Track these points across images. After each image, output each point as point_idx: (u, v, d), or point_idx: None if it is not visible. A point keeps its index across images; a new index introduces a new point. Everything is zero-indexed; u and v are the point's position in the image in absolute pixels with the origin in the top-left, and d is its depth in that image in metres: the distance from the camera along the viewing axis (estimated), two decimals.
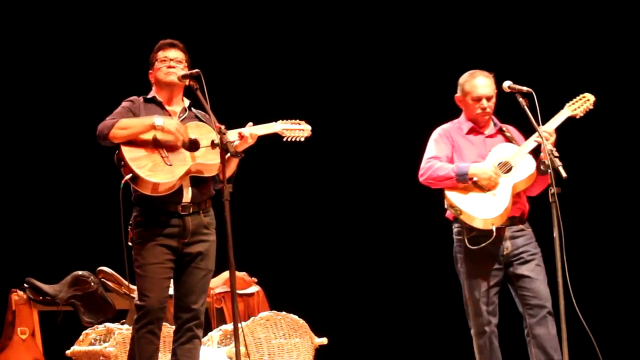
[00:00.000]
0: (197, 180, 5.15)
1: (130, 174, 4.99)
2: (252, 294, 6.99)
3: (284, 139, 5.42)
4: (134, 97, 5.28)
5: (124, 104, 5.24)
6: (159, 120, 5.06)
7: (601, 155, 8.20)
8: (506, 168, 5.57)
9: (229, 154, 5.00)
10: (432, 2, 8.49)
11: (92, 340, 6.16)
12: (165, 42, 5.30)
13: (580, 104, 5.72)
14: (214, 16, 8.37)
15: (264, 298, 7.03)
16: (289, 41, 8.48)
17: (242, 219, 5.66)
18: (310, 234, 8.45)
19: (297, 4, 8.46)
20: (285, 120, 5.42)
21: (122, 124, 5.06)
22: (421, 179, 5.65)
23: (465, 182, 5.54)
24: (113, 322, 6.37)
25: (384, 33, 8.58)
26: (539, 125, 5.46)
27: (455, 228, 5.65)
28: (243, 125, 5.24)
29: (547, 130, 5.54)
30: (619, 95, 8.06)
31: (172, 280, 5.21)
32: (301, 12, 8.48)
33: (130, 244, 5.14)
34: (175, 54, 5.26)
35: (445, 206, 5.66)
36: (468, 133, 5.74)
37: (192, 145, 5.12)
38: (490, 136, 5.75)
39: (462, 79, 5.75)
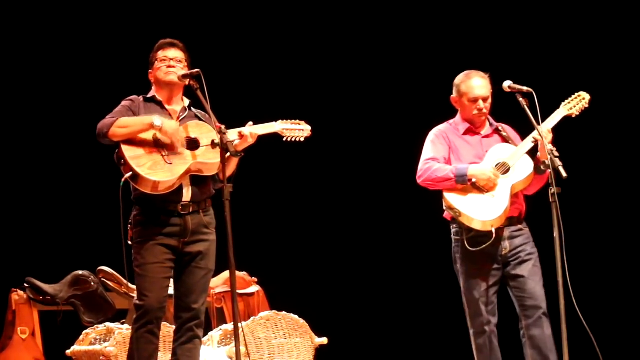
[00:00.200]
0: (197, 180, 5.15)
1: (131, 173, 4.99)
2: (252, 294, 6.98)
3: (284, 139, 5.42)
4: (133, 97, 5.28)
5: (123, 103, 5.24)
6: (157, 120, 5.06)
7: (601, 154, 8.19)
8: (504, 169, 5.57)
9: (229, 154, 5.00)
10: (429, 3, 8.49)
11: (93, 340, 6.16)
12: (165, 41, 5.30)
13: (576, 103, 5.72)
14: (214, 16, 8.37)
15: (264, 298, 7.03)
16: (289, 41, 8.48)
17: (242, 219, 5.66)
18: (310, 234, 8.44)
19: (297, 4, 8.46)
20: (285, 120, 5.42)
21: (121, 123, 5.06)
22: (419, 181, 5.64)
23: (464, 183, 5.53)
24: (113, 321, 6.37)
25: (382, 33, 8.58)
26: (539, 124, 5.46)
27: (454, 228, 5.64)
28: (243, 124, 5.24)
29: (544, 130, 5.53)
30: (618, 94, 8.06)
31: (172, 280, 5.21)
32: (301, 12, 8.48)
33: (129, 243, 5.14)
34: (175, 53, 5.26)
35: (444, 207, 5.66)
36: (465, 134, 5.73)
37: (192, 144, 5.12)
38: (487, 136, 5.75)
39: (458, 79, 5.74)
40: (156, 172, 5.01)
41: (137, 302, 5.10)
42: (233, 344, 5.44)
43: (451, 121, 5.80)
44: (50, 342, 6.75)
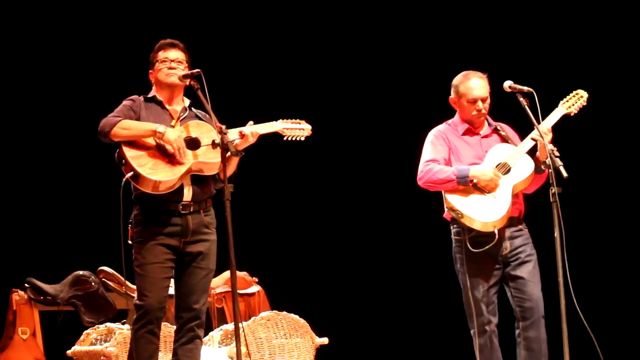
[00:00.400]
0: (197, 179, 5.15)
1: (132, 172, 5.00)
2: (253, 294, 6.98)
3: (285, 138, 5.42)
4: (134, 96, 5.27)
5: (125, 102, 5.23)
6: (161, 128, 5.06)
7: (601, 154, 8.19)
8: (505, 169, 5.57)
9: (229, 153, 4.99)
10: (429, 3, 8.48)
11: (93, 340, 6.16)
12: (165, 42, 5.30)
13: (574, 101, 5.72)
14: (214, 15, 8.37)
15: (265, 298, 7.03)
16: (289, 41, 8.48)
17: (243, 219, 5.66)
18: (311, 234, 8.44)
19: (297, 4, 8.45)
20: (285, 120, 5.42)
21: (124, 125, 5.06)
22: (420, 182, 5.63)
23: (466, 184, 5.52)
24: (114, 321, 6.37)
25: (382, 33, 8.58)
26: (540, 124, 5.46)
27: (454, 228, 5.64)
28: (244, 124, 5.24)
29: (544, 129, 5.53)
30: (618, 93, 8.06)
31: (172, 280, 5.21)
32: (301, 12, 8.48)
33: (130, 242, 5.14)
34: (176, 54, 5.26)
35: (445, 208, 5.65)
36: (464, 134, 5.73)
37: (193, 144, 5.12)
38: (486, 136, 5.74)
39: (456, 80, 5.72)
40: (157, 171, 5.01)
41: (138, 302, 5.10)
42: (234, 344, 5.43)
43: (450, 121, 5.79)
44: (51, 342, 6.75)
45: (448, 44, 8.33)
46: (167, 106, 5.26)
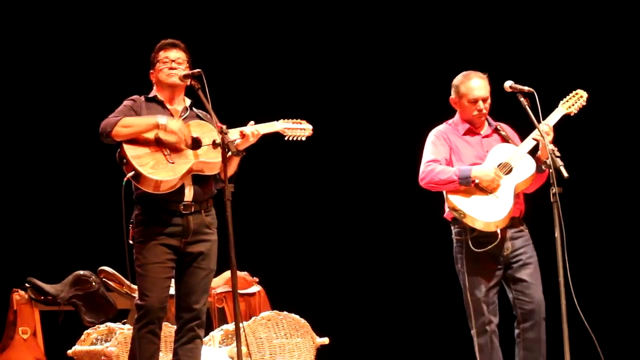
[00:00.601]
0: (198, 179, 5.14)
1: (133, 172, 4.99)
2: (253, 294, 6.99)
3: (285, 138, 5.42)
4: (135, 96, 5.27)
5: (126, 102, 5.23)
6: (162, 119, 5.06)
7: (602, 154, 8.19)
8: (506, 169, 5.57)
9: (230, 153, 4.99)
10: (429, 3, 8.48)
11: (94, 340, 6.16)
12: (166, 42, 5.30)
13: (574, 101, 5.73)
14: (215, 15, 8.37)
15: (265, 298, 7.03)
16: (290, 41, 8.48)
17: (244, 219, 5.66)
18: (312, 234, 8.44)
19: (298, 4, 8.45)
20: (286, 119, 5.42)
21: (125, 122, 5.06)
22: (422, 183, 5.63)
23: (468, 185, 5.52)
24: (114, 321, 6.37)
25: (383, 33, 8.58)
26: (540, 124, 5.46)
27: (455, 229, 5.64)
28: (244, 124, 5.24)
29: (545, 128, 5.53)
30: (618, 93, 8.06)
31: (173, 280, 5.21)
32: (302, 12, 8.48)
33: (131, 242, 5.14)
34: (177, 54, 5.26)
35: (446, 208, 5.65)
36: (465, 134, 5.73)
37: (194, 143, 5.12)
38: (487, 136, 5.74)
39: (457, 80, 5.72)
40: (158, 171, 5.01)
41: (139, 302, 5.10)
42: (234, 344, 5.43)
43: (450, 121, 5.79)
44: (52, 342, 6.75)
45: (448, 44, 8.33)
46: (168, 106, 5.26)
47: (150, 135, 5.07)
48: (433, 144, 5.68)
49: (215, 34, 8.28)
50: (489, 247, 5.46)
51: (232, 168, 5.14)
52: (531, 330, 5.55)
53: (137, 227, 5.13)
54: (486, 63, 5.85)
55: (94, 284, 6.74)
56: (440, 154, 5.63)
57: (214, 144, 5.05)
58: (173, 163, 5.05)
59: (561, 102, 5.72)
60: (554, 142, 5.53)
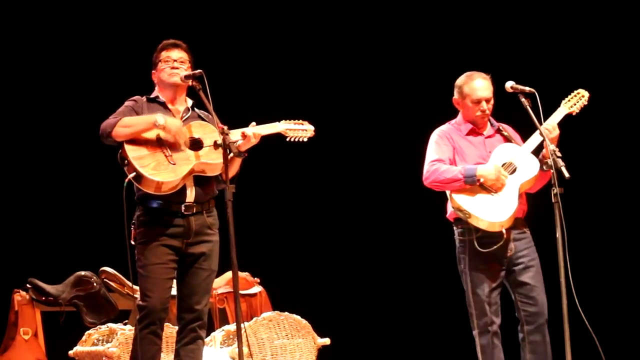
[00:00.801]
0: (200, 180, 5.14)
1: (134, 173, 4.99)
2: (254, 295, 6.99)
3: (287, 139, 5.41)
4: (137, 97, 5.27)
5: (127, 103, 5.23)
6: (161, 118, 5.06)
7: (603, 154, 8.20)
8: (511, 169, 5.57)
9: (231, 154, 5.00)
10: (431, 4, 8.49)
11: (95, 341, 6.16)
12: (168, 42, 5.30)
13: (576, 101, 5.74)
14: (217, 16, 8.37)
15: (267, 298, 7.04)
16: (292, 41, 8.48)
17: (245, 220, 5.66)
18: (313, 235, 8.45)
19: (300, 4, 8.46)
20: (288, 120, 5.42)
21: (124, 122, 5.06)
22: (426, 182, 5.62)
23: (473, 184, 5.52)
24: (116, 322, 6.37)
25: (384, 34, 8.59)
26: (541, 124, 5.46)
27: (458, 229, 5.64)
28: (246, 125, 5.24)
29: (549, 126, 5.54)
30: (619, 94, 8.06)
31: (175, 281, 5.21)
32: (303, 13, 8.48)
33: (133, 243, 5.14)
34: (179, 54, 5.26)
35: (450, 208, 5.65)
36: (468, 134, 5.73)
37: (196, 144, 5.12)
38: (490, 137, 5.75)
39: (460, 81, 5.73)
40: (160, 172, 5.01)
41: (140, 302, 5.10)
42: (235, 345, 5.43)
43: (453, 122, 5.79)
44: (53, 343, 6.75)
45: (450, 45, 8.33)
46: (169, 106, 5.26)
47: (152, 135, 5.07)
48: (437, 144, 5.68)
49: (217, 34, 8.29)
50: (495, 247, 5.47)
51: (234, 169, 5.15)
52: (536, 333, 5.56)
53: (138, 228, 5.13)
54: (488, 64, 5.85)
55: (95, 284, 6.75)
56: (444, 153, 5.63)
57: (216, 145, 5.05)
58: (174, 164, 5.05)
59: (563, 101, 5.72)
60: (560, 139, 5.54)
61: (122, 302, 6.81)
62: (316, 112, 5.91)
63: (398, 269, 8.52)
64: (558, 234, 5.19)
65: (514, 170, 5.57)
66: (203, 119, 5.27)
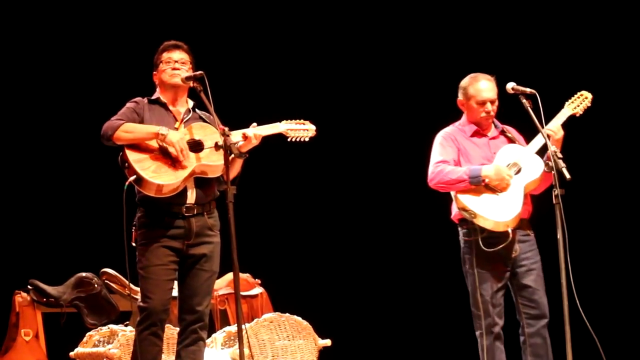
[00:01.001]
0: (201, 182, 5.14)
1: (135, 176, 4.99)
2: (255, 296, 6.99)
3: (288, 139, 5.41)
4: (138, 98, 5.27)
5: (128, 104, 5.23)
6: (164, 130, 5.05)
7: (604, 156, 8.19)
8: (515, 169, 5.58)
9: (232, 155, 5.00)
10: (434, 5, 8.49)
11: (96, 342, 6.16)
12: (169, 43, 5.30)
13: (579, 102, 5.74)
14: (218, 17, 8.37)
15: (268, 299, 7.03)
16: (293, 42, 8.48)
17: (246, 221, 5.66)
18: (314, 236, 8.44)
19: (301, 5, 8.46)
20: (289, 121, 5.41)
21: (127, 128, 5.06)
22: (431, 184, 5.63)
23: (478, 184, 5.52)
24: (116, 323, 6.37)
25: (387, 35, 8.59)
26: (542, 125, 5.46)
27: (463, 229, 5.64)
28: (247, 125, 5.23)
29: (554, 128, 5.55)
30: (621, 95, 8.06)
31: (176, 282, 5.21)
32: (305, 13, 8.48)
33: (133, 244, 5.14)
34: (180, 55, 5.26)
35: (453, 209, 5.66)
36: (472, 136, 5.74)
37: (196, 146, 5.12)
38: (494, 138, 5.76)
39: (465, 82, 5.74)
40: (160, 175, 5.01)
41: (141, 304, 5.09)
42: (237, 346, 5.44)
43: (457, 123, 5.80)
44: (54, 344, 6.76)
45: (454, 46, 8.33)
46: (170, 108, 5.26)
47: (153, 142, 5.07)
48: (441, 145, 5.69)
49: (217, 35, 8.29)
50: (501, 246, 5.47)
51: (235, 170, 5.15)
52: (537, 336, 5.57)
53: (139, 229, 5.13)
54: (491, 66, 5.86)
55: (96, 286, 6.75)
56: (448, 155, 5.64)
57: (217, 147, 5.04)
58: (174, 167, 5.04)
59: (567, 103, 5.73)
60: (564, 140, 5.56)
61: (123, 303, 6.81)
62: (317, 112, 5.90)
63: (399, 270, 8.52)
64: (559, 235, 5.19)
65: (519, 171, 5.57)
66: (204, 120, 5.26)
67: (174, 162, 5.05)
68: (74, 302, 6.72)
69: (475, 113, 5.71)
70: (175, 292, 5.22)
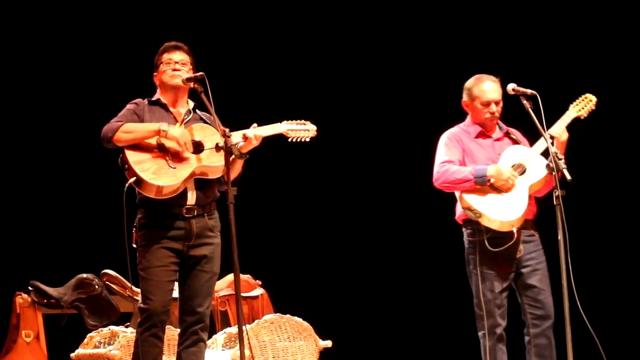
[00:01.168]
0: (201, 183, 5.14)
1: (134, 177, 4.99)
2: (256, 297, 6.98)
3: (289, 140, 5.40)
4: (138, 100, 5.27)
5: (128, 106, 5.23)
6: (164, 126, 5.06)
7: (605, 157, 8.19)
8: (520, 170, 5.59)
9: (233, 156, 4.99)
10: (436, 6, 8.49)
11: (97, 343, 6.16)
12: (170, 44, 5.30)
13: (584, 105, 5.75)
14: (218, 18, 8.37)
15: (269, 301, 7.03)
16: (294, 42, 8.48)
17: (247, 222, 5.65)
18: (315, 237, 8.44)
19: (303, 5, 8.45)
20: (290, 121, 5.41)
21: (127, 128, 5.05)
22: (436, 183, 5.64)
23: (484, 184, 5.53)
24: (117, 325, 6.37)
25: (389, 35, 8.58)
26: (543, 127, 5.46)
27: (467, 230, 5.64)
28: (248, 126, 5.23)
29: (558, 130, 5.56)
30: (623, 96, 8.06)
31: (176, 283, 5.21)
32: (306, 14, 8.47)
33: (134, 246, 5.14)
34: (180, 56, 5.26)
35: (457, 210, 5.66)
36: (477, 137, 5.76)
37: (196, 147, 5.12)
38: (498, 139, 5.78)
39: (470, 83, 5.75)
40: (160, 176, 5.01)
41: (142, 305, 5.10)
42: (237, 347, 5.44)
43: (462, 125, 5.81)
44: (55, 346, 6.75)
45: (456, 47, 8.32)
46: (171, 109, 5.26)
47: (152, 140, 5.07)
48: (446, 146, 5.71)
49: (218, 36, 8.28)
50: (506, 246, 5.46)
51: (236, 171, 5.15)
52: (542, 336, 5.57)
53: (140, 230, 5.13)
54: (494, 67, 5.86)
55: (96, 287, 6.74)
56: (454, 155, 5.66)
57: (217, 148, 5.04)
58: (175, 168, 5.04)
59: (571, 105, 5.75)
60: (569, 143, 5.57)
61: (124, 304, 6.80)
62: (318, 112, 5.90)
63: (399, 271, 8.51)
64: (560, 236, 5.19)
65: (524, 172, 5.58)
66: (205, 121, 5.26)
67: (174, 163, 5.05)
68: (74, 304, 6.71)
69: (479, 114, 5.72)
70: (175, 294, 5.22)
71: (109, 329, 6.23)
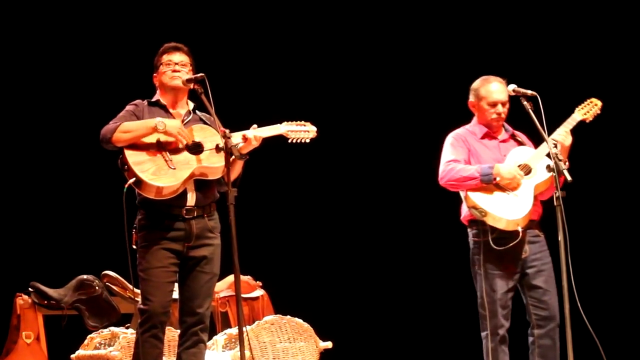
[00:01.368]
0: (201, 184, 5.14)
1: (134, 178, 4.99)
2: (256, 298, 6.98)
3: (289, 141, 5.40)
4: (138, 101, 5.27)
5: (127, 107, 5.23)
6: (160, 122, 5.05)
7: (606, 158, 8.19)
8: (526, 170, 5.60)
9: (233, 157, 4.99)
10: (441, 8, 8.49)
11: (97, 345, 6.16)
12: (169, 45, 5.29)
13: (589, 108, 5.77)
14: (218, 19, 8.37)
15: (269, 302, 7.03)
16: (294, 43, 8.48)
17: (247, 223, 5.65)
18: (316, 238, 8.44)
19: (304, 5, 8.45)
20: (290, 122, 5.41)
21: (124, 128, 5.05)
22: (442, 182, 5.65)
23: (489, 182, 5.55)
24: (118, 326, 6.38)
25: (391, 36, 8.58)
26: (543, 127, 5.46)
27: (473, 230, 5.64)
28: (248, 127, 5.23)
29: (563, 133, 5.57)
30: (624, 98, 8.05)
31: (176, 284, 5.21)
32: (307, 14, 8.47)
33: (134, 247, 5.14)
34: (180, 57, 5.26)
35: (463, 211, 5.66)
36: (482, 137, 5.77)
37: (196, 148, 5.12)
38: (504, 141, 5.79)
39: (476, 84, 5.77)
40: (160, 177, 5.00)
41: (142, 306, 5.09)
42: (237, 348, 5.44)
43: (468, 126, 5.83)
44: (55, 347, 6.75)
45: (461, 49, 8.33)
46: (171, 110, 5.26)
47: (152, 139, 5.06)
48: (452, 146, 5.72)
49: (218, 37, 8.28)
50: (511, 244, 5.47)
51: (236, 172, 5.15)
52: (546, 337, 5.58)
53: (140, 231, 5.14)
54: (499, 68, 5.87)
55: (97, 288, 6.74)
56: (459, 155, 5.68)
57: (217, 148, 5.04)
58: (174, 168, 5.04)
59: (577, 108, 5.77)
60: (573, 146, 5.59)
61: (124, 305, 6.80)
62: (319, 112, 5.89)
63: (399, 272, 8.51)
64: (560, 237, 5.19)
65: (529, 172, 5.60)
66: (205, 122, 5.26)
67: (174, 164, 5.05)
68: (75, 305, 6.71)
69: (486, 114, 5.73)
70: (175, 295, 5.22)
71: (110, 330, 6.23)
